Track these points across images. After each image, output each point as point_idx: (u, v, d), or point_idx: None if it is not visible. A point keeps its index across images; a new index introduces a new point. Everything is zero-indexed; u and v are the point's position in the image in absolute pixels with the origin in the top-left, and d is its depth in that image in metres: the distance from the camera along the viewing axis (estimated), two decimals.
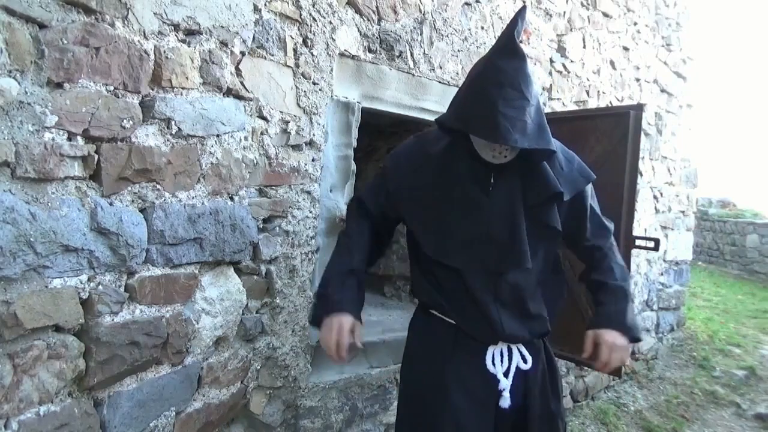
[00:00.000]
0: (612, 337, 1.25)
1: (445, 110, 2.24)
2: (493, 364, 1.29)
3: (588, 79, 3.11)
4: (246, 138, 1.57)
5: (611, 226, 1.44)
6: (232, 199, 1.55)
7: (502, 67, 1.13)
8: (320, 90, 1.77)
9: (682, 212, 4.32)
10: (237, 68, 1.53)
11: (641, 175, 3.71)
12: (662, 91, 3.89)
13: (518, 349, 1.32)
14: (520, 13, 1.17)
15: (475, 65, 1.26)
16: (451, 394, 1.27)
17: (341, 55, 1.84)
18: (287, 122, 1.68)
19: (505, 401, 1.27)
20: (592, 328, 1.30)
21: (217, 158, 1.49)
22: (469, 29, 2.33)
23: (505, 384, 1.28)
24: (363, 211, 1.43)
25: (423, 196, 1.32)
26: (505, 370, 1.29)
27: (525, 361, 1.31)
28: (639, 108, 2.16)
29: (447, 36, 2.22)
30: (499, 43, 1.18)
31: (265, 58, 1.60)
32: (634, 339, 1.29)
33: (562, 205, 1.31)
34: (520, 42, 1.17)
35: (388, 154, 1.45)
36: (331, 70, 1.80)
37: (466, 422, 1.26)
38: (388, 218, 1.44)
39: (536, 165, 1.26)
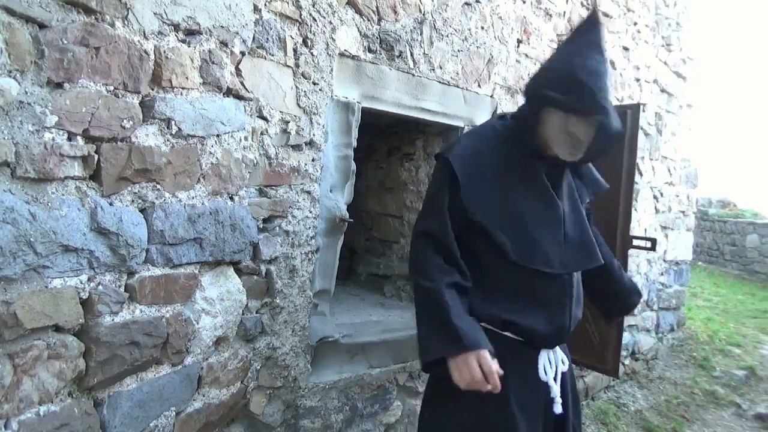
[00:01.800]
0: None
1: (445, 110, 2.25)
2: (545, 372, 1.29)
3: None
4: (246, 138, 1.57)
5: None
6: (232, 199, 1.55)
7: (593, 58, 1.19)
8: (320, 90, 1.77)
9: (682, 212, 4.32)
10: (237, 68, 1.53)
11: (641, 175, 3.71)
12: (662, 91, 3.89)
13: (560, 352, 1.34)
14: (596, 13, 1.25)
15: (569, 50, 1.25)
16: (514, 412, 1.23)
17: (341, 55, 1.84)
18: (287, 122, 1.68)
19: (558, 407, 1.27)
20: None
21: (217, 158, 1.49)
22: (469, 29, 2.33)
23: (557, 391, 1.28)
24: (441, 254, 1.26)
25: (499, 199, 1.27)
26: (553, 376, 1.30)
27: (563, 363, 1.34)
28: (636, 108, 2.16)
29: (447, 36, 2.22)
30: (583, 36, 1.24)
31: (265, 58, 1.60)
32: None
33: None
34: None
35: (444, 161, 1.31)
36: (331, 70, 1.80)
37: None
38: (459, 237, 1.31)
39: (582, 164, 1.34)
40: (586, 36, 1.23)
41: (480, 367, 1.12)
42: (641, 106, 2.21)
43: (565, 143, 1.23)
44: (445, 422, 1.31)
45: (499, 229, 1.26)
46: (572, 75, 1.19)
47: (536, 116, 1.24)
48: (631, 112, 2.15)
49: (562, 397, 1.30)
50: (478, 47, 2.37)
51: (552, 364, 1.30)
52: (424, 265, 1.27)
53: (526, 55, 2.64)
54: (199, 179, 1.46)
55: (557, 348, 1.33)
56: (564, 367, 1.33)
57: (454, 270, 1.25)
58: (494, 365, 1.14)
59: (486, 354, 1.14)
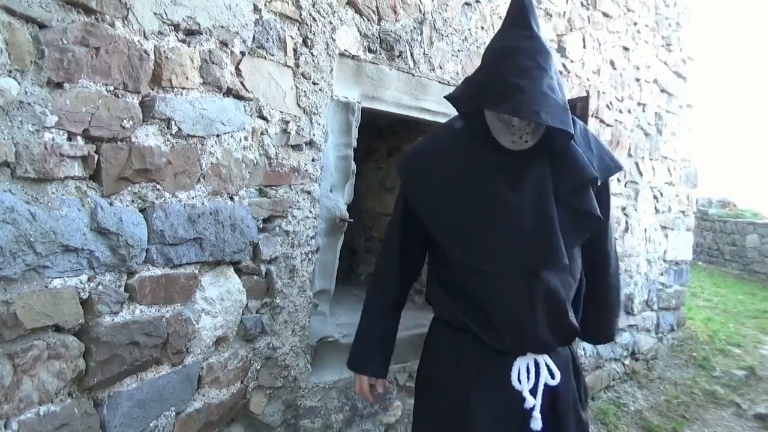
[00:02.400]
0: None
1: (445, 110, 2.25)
2: (519, 380, 1.18)
3: (588, 79, 3.11)
4: (246, 138, 1.57)
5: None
6: (232, 199, 1.55)
7: (512, 37, 1.10)
8: (320, 90, 1.77)
9: (682, 212, 4.32)
10: (237, 68, 1.53)
11: (641, 175, 3.71)
12: (662, 91, 3.89)
13: (545, 363, 1.20)
14: None
15: (487, 45, 1.20)
16: (477, 417, 1.17)
17: (341, 55, 1.84)
18: (287, 122, 1.68)
19: (537, 422, 1.15)
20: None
21: (217, 158, 1.49)
22: (469, 29, 2.33)
23: (533, 403, 1.16)
24: (392, 256, 1.37)
25: (443, 197, 1.23)
26: (531, 388, 1.17)
27: (552, 377, 1.20)
28: (585, 100, 2.22)
29: (447, 36, 2.22)
30: (508, 16, 1.15)
31: (265, 58, 1.60)
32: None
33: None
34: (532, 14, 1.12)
35: (400, 163, 1.35)
36: (331, 70, 1.80)
37: None
38: (420, 240, 1.34)
39: (563, 149, 1.16)
40: (510, 14, 1.14)
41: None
42: (588, 98, 2.26)
43: (502, 132, 1.15)
44: (417, 420, 1.38)
45: (444, 230, 1.23)
46: (482, 67, 1.14)
47: (476, 110, 1.19)
48: (580, 105, 2.18)
49: (552, 412, 1.20)
50: (478, 47, 2.37)
51: (530, 374, 1.18)
52: (372, 278, 1.47)
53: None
54: (199, 179, 1.46)
55: (544, 357, 1.21)
56: (553, 381, 1.19)
57: (391, 283, 1.40)
58: (367, 388, 1.40)
59: (362, 380, 1.40)
